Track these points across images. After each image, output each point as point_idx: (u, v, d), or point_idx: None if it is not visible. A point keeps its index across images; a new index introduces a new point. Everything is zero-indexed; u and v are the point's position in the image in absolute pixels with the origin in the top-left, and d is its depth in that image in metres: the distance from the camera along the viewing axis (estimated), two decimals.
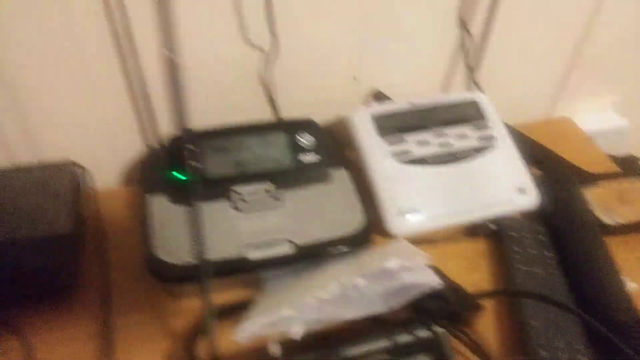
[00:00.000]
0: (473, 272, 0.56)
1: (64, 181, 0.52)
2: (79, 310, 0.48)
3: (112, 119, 0.59)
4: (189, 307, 0.49)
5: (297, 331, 0.39)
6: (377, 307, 0.42)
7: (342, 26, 0.62)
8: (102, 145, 0.61)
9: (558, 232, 0.58)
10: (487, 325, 0.51)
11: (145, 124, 0.61)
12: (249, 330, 0.40)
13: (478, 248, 0.59)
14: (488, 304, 0.52)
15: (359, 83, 0.68)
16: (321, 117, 0.63)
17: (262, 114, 0.65)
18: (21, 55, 0.51)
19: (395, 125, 0.61)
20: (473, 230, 0.60)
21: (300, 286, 0.48)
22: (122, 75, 0.56)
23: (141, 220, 0.52)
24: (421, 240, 0.55)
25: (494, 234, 0.59)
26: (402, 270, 0.42)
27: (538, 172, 0.65)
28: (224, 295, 0.49)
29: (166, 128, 0.59)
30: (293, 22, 0.59)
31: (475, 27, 0.67)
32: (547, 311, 0.50)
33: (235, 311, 0.48)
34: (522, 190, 0.60)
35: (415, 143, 0.60)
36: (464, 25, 0.66)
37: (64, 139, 0.58)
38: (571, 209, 0.61)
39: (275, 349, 0.38)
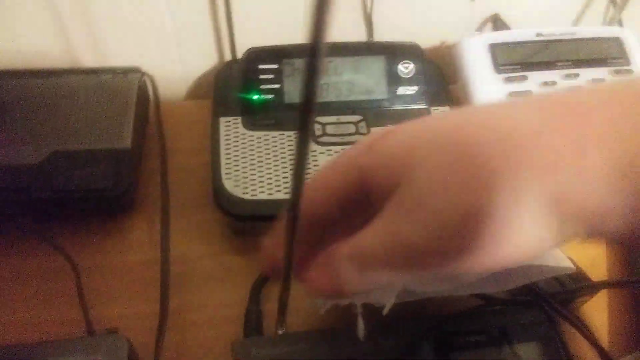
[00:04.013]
0: (588, 247, 0.46)
1: (129, 90, 0.46)
2: (134, 235, 0.43)
3: (186, 25, 0.52)
4: (251, 246, 0.43)
5: (388, 303, 0.32)
6: (488, 287, 0.34)
7: None
8: (172, 54, 0.54)
9: None
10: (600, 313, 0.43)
11: (223, 34, 0.53)
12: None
13: None
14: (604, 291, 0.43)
15: (474, 4, 0.56)
16: (419, 42, 0.52)
17: (353, 34, 0.56)
18: None
19: (517, 59, 0.50)
20: None
21: None
22: None
23: (211, 146, 0.45)
24: None
25: None
26: None
27: None
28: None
29: (247, 40, 0.50)
30: None
31: None
32: None
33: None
34: None
35: (539, 83, 0.49)
36: None
37: (132, 45, 0.52)
38: None
39: (361, 330, 0.32)
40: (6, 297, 0.39)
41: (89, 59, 0.52)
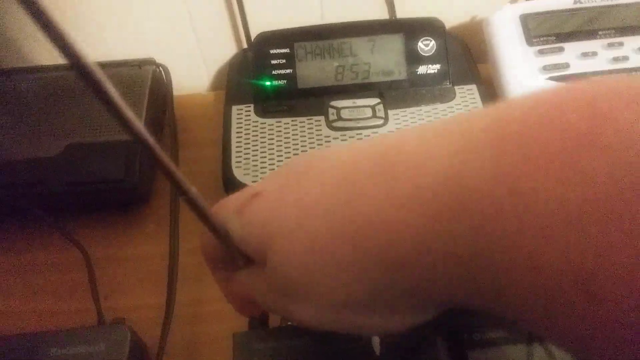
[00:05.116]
0: None
1: (143, 81, 0.46)
2: (147, 227, 0.43)
3: (202, 15, 0.51)
4: None
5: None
6: None
7: None
8: (190, 46, 0.53)
9: None
10: None
11: (238, 23, 0.52)
12: None
13: None
14: None
15: None
16: (447, 19, 0.49)
17: (373, 14, 0.53)
18: None
19: (552, 30, 0.46)
20: None
21: None
22: None
23: (223, 134, 0.44)
24: None
25: None
26: None
27: None
28: None
29: (263, 27, 0.49)
30: None
31: None
32: None
33: None
34: None
35: (577, 55, 0.45)
36: None
37: (140, 36, 0.52)
38: None
39: (376, 346, 0.30)
40: (21, 287, 0.40)
41: (102, 52, 0.52)
